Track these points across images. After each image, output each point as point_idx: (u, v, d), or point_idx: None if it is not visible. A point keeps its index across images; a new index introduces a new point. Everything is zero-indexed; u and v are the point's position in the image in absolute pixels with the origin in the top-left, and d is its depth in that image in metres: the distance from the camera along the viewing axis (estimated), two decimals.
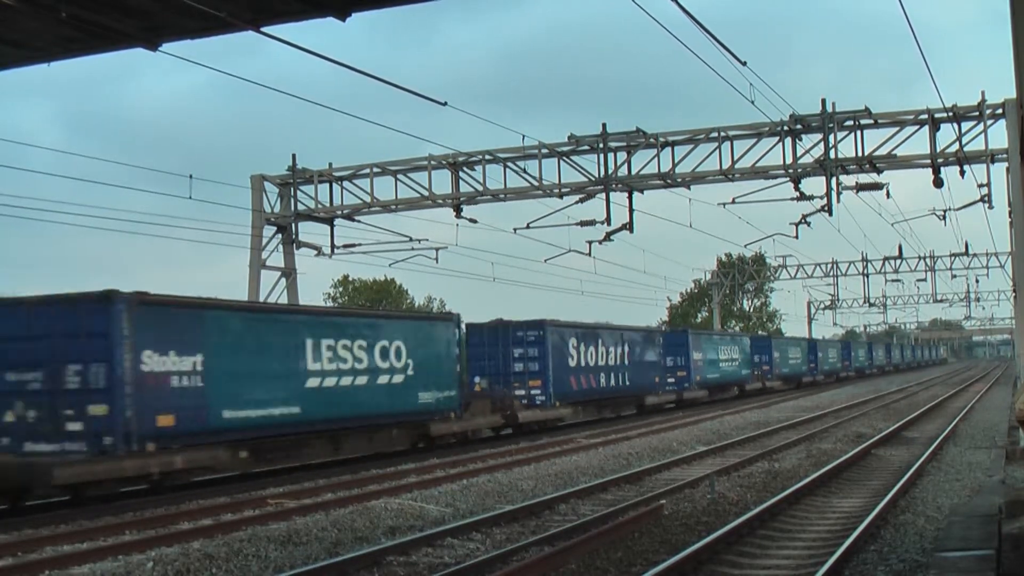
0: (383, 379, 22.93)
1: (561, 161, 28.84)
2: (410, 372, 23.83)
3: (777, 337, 67.02)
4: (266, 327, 20.24)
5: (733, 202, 29.44)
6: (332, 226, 31.81)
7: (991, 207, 27.58)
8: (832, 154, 26.53)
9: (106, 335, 16.45)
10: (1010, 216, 25.94)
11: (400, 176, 30.31)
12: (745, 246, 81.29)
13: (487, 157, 29.51)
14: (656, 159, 28.20)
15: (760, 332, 78.94)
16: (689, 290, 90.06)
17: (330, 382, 21.19)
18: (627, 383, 37.08)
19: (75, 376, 16.49)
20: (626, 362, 37.05)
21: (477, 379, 30.51)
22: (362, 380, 22.15)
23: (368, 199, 30.62)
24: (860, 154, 26.84)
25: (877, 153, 26.83)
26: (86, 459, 16.07)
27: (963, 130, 25.93)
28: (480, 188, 29.65)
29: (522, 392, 30.77)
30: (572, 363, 32.88)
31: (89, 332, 16.49)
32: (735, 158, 27.78)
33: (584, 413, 34.67)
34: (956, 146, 26.02)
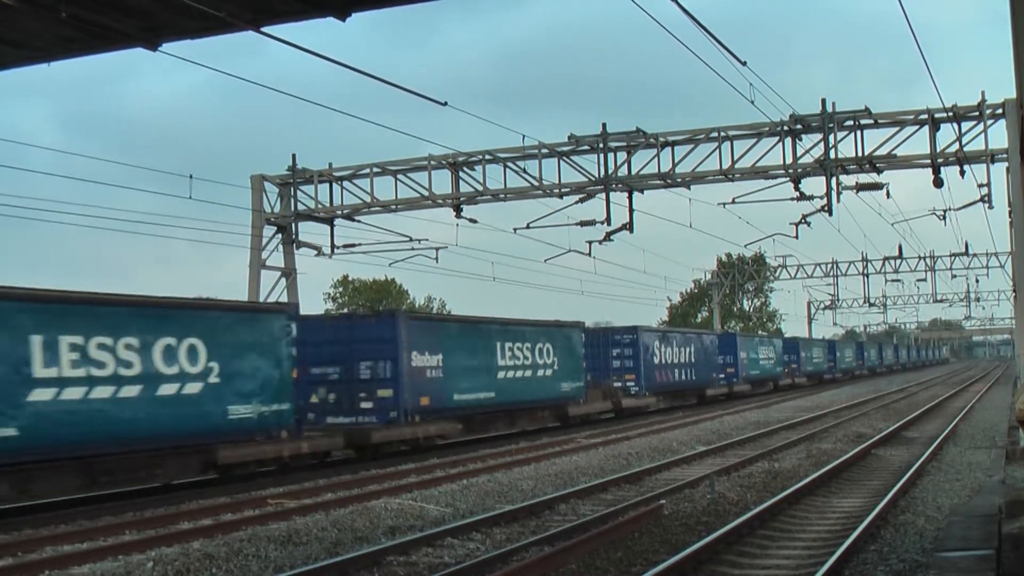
0: (541, 373, 30.23)
1: (561, 161, 28.84)
2: (556, 368, 31.05)
3: (803, 339, 72.42)
4: (474, 334, 27.49)
5: (733, 202, 29.45)
6: (332, 226, 31.80)
7: (991, 207, 27.60)
8: (832, 154, 26.52)
9: (393, 340, 23.53)
10: (1010, 216, 25.93)
11: (400, 176, 30.31)
12: (745, 246, 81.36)
13: (487, 157, 29.50)
14: (656, 159, 28.21)
15: (760, 332, 78.99)
16: (689, 290, 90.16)
17: (511, 375, 28.49)
18: (693, 377, 44.62)
19: (367, 370, 23.65)
20: (692, 360, 44.48)
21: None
22: (528, 373, 29.48)
23: (368, 199, 30.61)
24: (860, 154, 26.83)
25: (877, 153, 26.82)
26: (381, 427, 23.07)
27: (963, 130, 25.93)
28: (480, 188, 29.65)
29: (619, 384, 37.57)
30: (656, 361, 40.17)
31: (379, 338, 23.53)
32: (735, 158, 27.79)
33: (663, 402, 41.23)
34: (956, 146, 26.02)
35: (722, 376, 49.03)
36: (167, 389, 17.27)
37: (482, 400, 26.99)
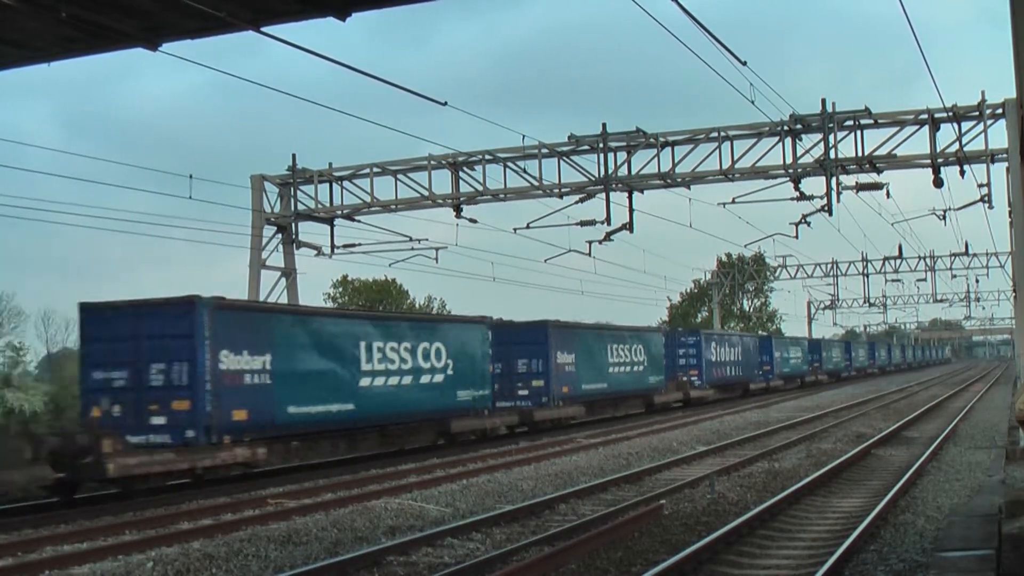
0: (636, 368, 37.31)
1: (561, 161, 28.84)
2: (645, 364, 38.16)
3: (825, 340, 79.74)
4: (593, 338, 34.35)
5: (733, 202, 29.44)
6: (332, 226, 31.80)
7: (991, 207, 27.59)
8: (832, 154, 26.52)
9: (544, 343, 30.70)
10: (1010, 216, 25.95)
11: (400, 176, 30.31)
12: (745, 246, 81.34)
13: (487, 157, 29.50)
14: (656, 159, 28.21)
15: (760, 332, 79.01)
16: (689, 290, 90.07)
17: (616, 371, 35.57)
18: (740, 373, 51.81)
19: (524, 366, 30.73)
20: (740, 359, 51.86)
21: None
22: (628, 369, 36.49)
23: (368, 199, 30.61)
24: (860, 154, 26.83)
25: (877, 153, 26.82)
26: (537, 408, 30.25)
27: (963, 130, 25.93)
28: (480, 188, 29.65)
29: (685, 379, 44.27)
30: (713, 359, 47.30)
31: (534, 341, 30.63)
32: (735, 158, 27.79)
33: (718, 394, 47.95)
34: (956, 146, 26.02)
35: (760, 373, 56.06)
36: (425, 379, 24.15)
37: (598, 390, 34.42)
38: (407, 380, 23.26)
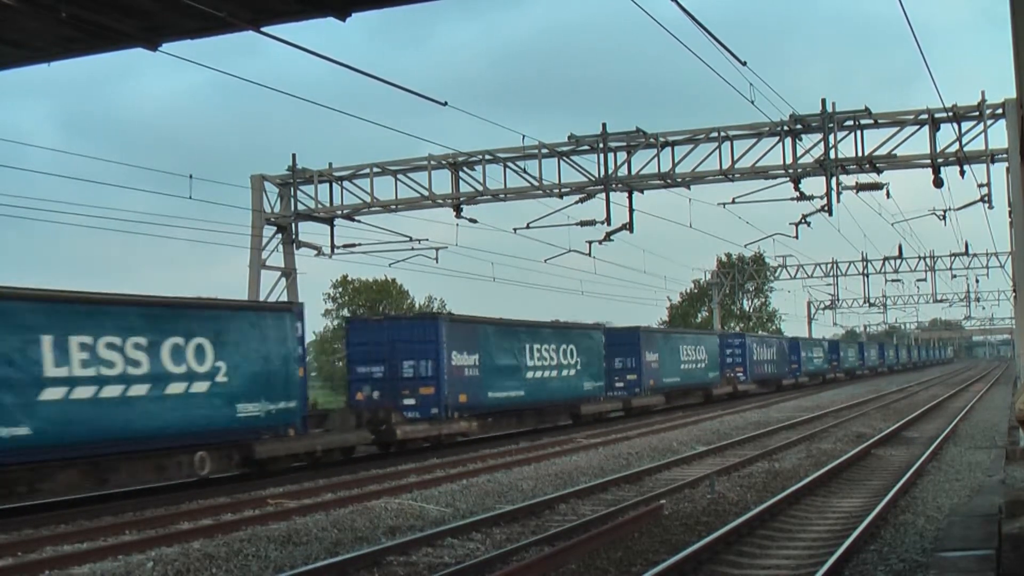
0: (700, 365, 45.67)
1: (561, 161, 28.81)
2: (707, 363, 46.54)
3: (842, 341, 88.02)
4: (671, 340, 43.09)
5: (733, 202, 29.40)
6: (332, 226, 31.76)
7: (991, 207, 27.55)
8: (832, 154, 26.49)
9: (636, 344, 38.70)
10: (1010, 216, 25.91)
11: (400, 176, 30.27)
12: (745, 246, 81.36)
13: (487, 157, 29.47)
14: (656, 159, 28.17)
15: (760, 332, 79.05)
16: (689, 290, 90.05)
17: (687, 367, 44.00)
18: (775, 371, 59.57)
19: (621, 364, 37.98)
20: (775, 358, 59.80)
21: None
22: (694, 366, 44.78)
23: (368, 199, 30.58)
24: (860, 154, 26.81)
25: (877, 153, 26.80)
26: (632, 396, 38.03)
27: (963, 130, 25.90)
28: (480, 188, 29.63)
29: (732, 375, 51.38)
30: (754, 358, 55.13)
31: (629, 343, 38.59)
32: (735, 158, 27.75)
33: (759, 388, 55.34)
34: (956, 146, 26.00)
35: (790, 370, 63.30)
36: (564, 373, 32.00)
37: (674, 383, 42.78)
38: (553, 373, 31.29)
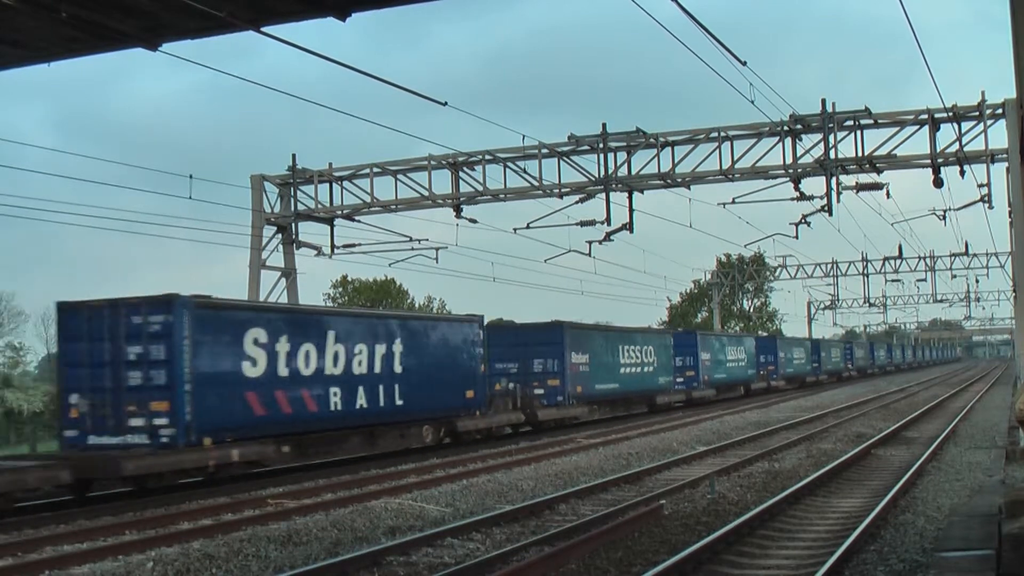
0: (741, 364, 52.43)
1: (561, 161, 28.82)
2: (746, 362, 53.37)
3: (855, 341, 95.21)
4: (725, 342, 50.80)
5: (733, 202, 29.41)
6: (332, 226, 31.78)
7: (991, 207, 27.54)
8: (832, 154, 26.50)
9: (694, 346, 45.73)
10: (1010, 216, 25.92)
11: (400, 176, 30.29)
12: (745, 246, 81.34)
13: (487, 157, 29.48)
14: (656, 159, 28.19)
15: (760, 332, 79.05)
16: (689, 290, 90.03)
17: (731, 365, 50.60)
18: (800, 370, 65.69)
19: (680, 362, 44.63)
20: (801, 358, 66.67)
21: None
22: (735, 364, 51.48)
23: (368, 199, 30.60)
24: (860, 154, 26.82)
25: (877, 153, 26.81)
26: (691, 390, 43.48)
27: (963, 130, 25.91)
28: (480, 188, 29.64)
29: (764, 372, 57.51)
30: (783, 358, 61.59)
31: (687, 345, 45.66)
32: (735, 158, 27.77)
33: (787, 385, 61.77)
34: (956, 146, 26.01)
35: (811, 369, 69.37)
36: (645, 369, 38.57)
37: (723, 379, 49.26)
38: (637, 369, 37.38)
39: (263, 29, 10.59)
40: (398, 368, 23.29)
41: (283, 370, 19.73)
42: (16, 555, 12.43)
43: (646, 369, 38.63)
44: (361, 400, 21.99)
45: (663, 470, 19.80)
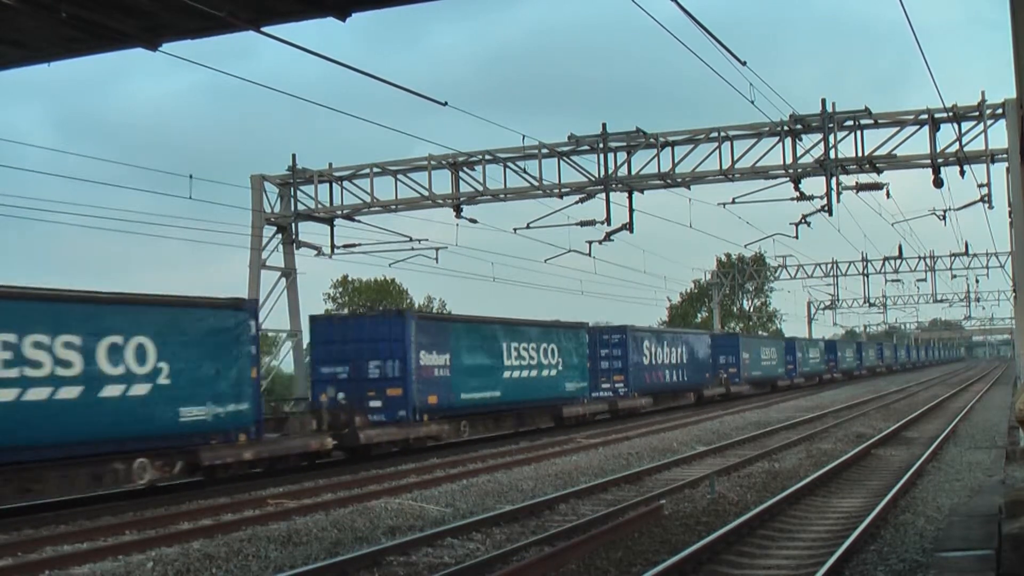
0: (773, 362, 58.28)
1: (561, 161, 28.82)
2: (776, 361, 59.17)
3: (866, 342, 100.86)
4: (759, 344, 57.26)
5: (733, 202, 29.41)
6: (332, 226, 31.77)
7: (991, 207, 27.56)
8: (832, 154, 26.50)
9: (736, 347, 51.26)
10: (1010, 216, 25.92)
11: (400, 176, 30.29)
12: (745, 246, 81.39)
13: (487, 157, 29.48)
14: (656, 159, 28.19)
15: (760, 332, 79.08)
16: (689, 290, 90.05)
17: (766, 364, 56.37)
18: (817, 369, 70.87)
19: (724, 360, 49.84)
20: (819, 358, 71.85)
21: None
22: (768, 363, 56.85)
23: (368, 199, 30.59)
24: (860, 154, 26.82)
25: (877, 153, 26.81)
26: (732, 384, 49.85)
27: (963, 130, 25.91)
28: (480, 188, 29.64)
29: (783, 371, 61.30)
30: (800, 357, 65.54)
31: (729, 346, 51.26)
32: (735, 158, 27.76)
33: (807, 382, 66.50)
34: (956, 146, 26.01)
35: (827, 368, 73.83)
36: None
37: (760, 376, 54.21)
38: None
39: (263, 29, 10.59)
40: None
41: None
42: (16, 555, 12.43)
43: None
44: None
45: (663, 470, 19.80)
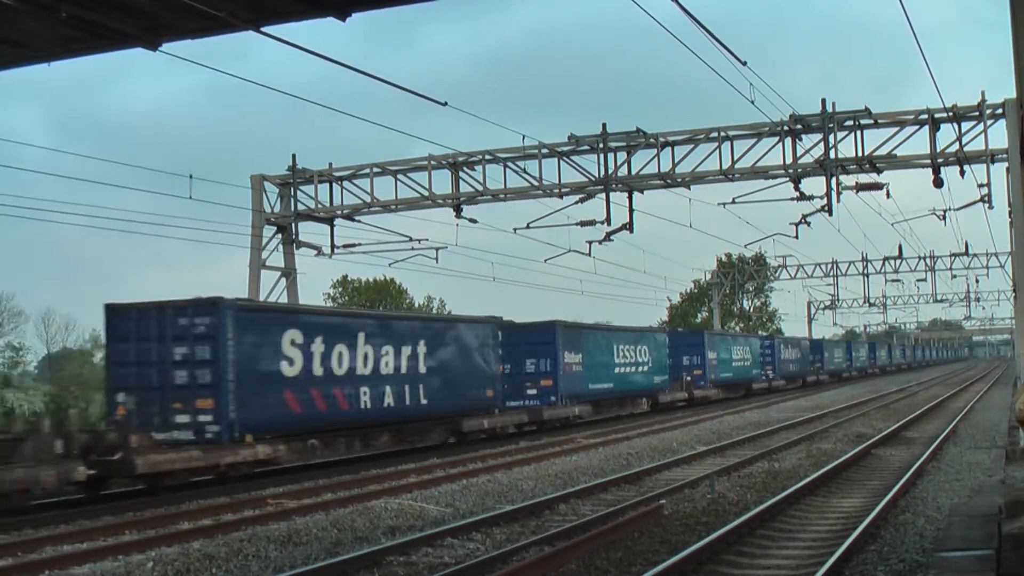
0: (742, 362, 53.37)
1: (561, 161, 28.82)
2: (801, 359, 65.93)
3: (879, 342, 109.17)
4: (795, 345, 67.80)
5: (733, 202, 29.40)
6: (332, 226, 31.78)
7: (991, 207, 27.54)
8: (832, 154, 26.50)
9: (771, 347, 61.70)
10: (1010, 216, 25.94)
11: (400, 176, 30.28)
12: (745, 246, 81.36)
13: (487, 157, 29.48)
14: (656, 159, 28.18)
15: (760, 332, 79.12)
16: (689, 290, 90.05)
17: (789, 366, 62.94)
18: (840, 367, 79.29)
19: (764, 359, 59.94)
20: (840, 357, 79.92)
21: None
22: (793, 363, 64.28)
23: (368, 199, 30.59)
24: (860, 154, 26.81)
25: (877, 153, 26.81)
26: (769, 380, 59.20)
27: (963, 130, 25.91)
28: (480, 188, 29.64)
29: (810, 368, 68.00)
30: (827, 356, 74.16)
31: (766, 348, 60.85)
32: (735, 158, 27.75)
33: (830, 378, 74.27)
34: (956, 146, 26.00)
35: (847, 365, 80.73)
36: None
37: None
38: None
39: (263, 29, 10.59)
40: None
41: None
42: (16, 555, 12.43)
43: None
44: None
45: (663, 470, 19.80)
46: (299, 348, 20.23)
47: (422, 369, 24.05)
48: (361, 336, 22.13)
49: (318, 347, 20.81)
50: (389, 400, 22.80)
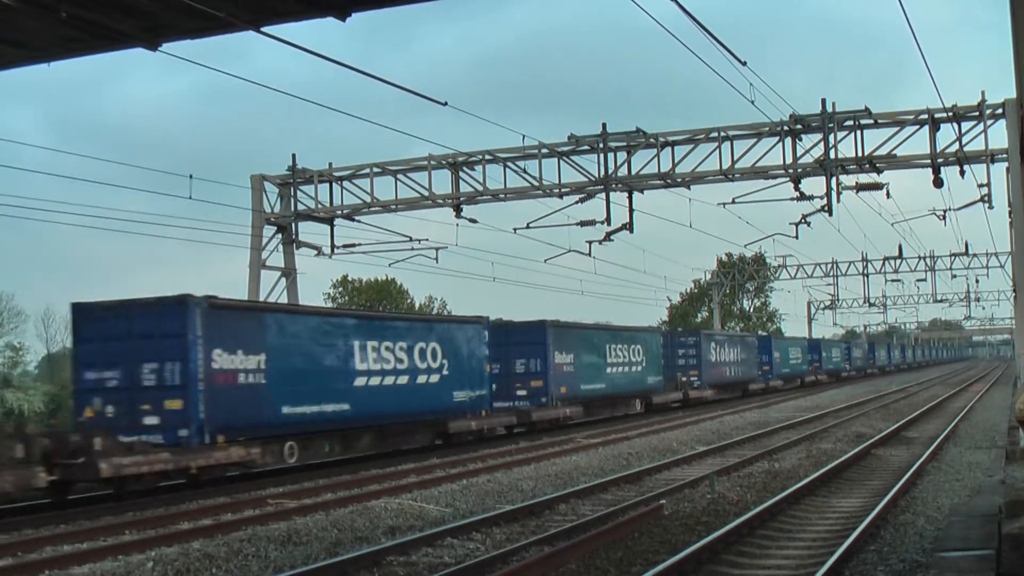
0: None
1: (561, 161, 28.83)
2: (801, 359, 66.54)
3: (892, 343, 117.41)
4: (808, 347, 72.67)
5: (733, 202, 29.42)
6: (332, 226, 31.79)
7: (991, 207, 27.57)
8: (832, 154, 26.51)
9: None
10: (1010, 216, 25.93)
11: (400, 176, 30.30)
12: (745, 246, 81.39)
13: (487, 157, 29.49)
14: (656, 159, 28.20)
15: (761, 332, 79.14)
16: (689, 290, 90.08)
17: (793, 363, 64.76)
18: (841, 367, 79.59)
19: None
20: (860, 356, 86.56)
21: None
22: (794, 362, 65.41)
23: (368, 199, 30.60)
24: (860, 154, 26.82)
25: (877, 153, 26.82)
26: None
27: (963, 130, 25.92)
28: (480, 188, 29.65)
29: (810, 368, 68.27)
30: (853, 355, 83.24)
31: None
32: (735, 158, 27.78)
33: (858, 375, 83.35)
34: (956, 146, 26.01)
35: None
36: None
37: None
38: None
39: (263, 29, 10.60)
40: None
41: None
42: (16, 555, 12.43)
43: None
44: None
45: (663, 470, 19.80)
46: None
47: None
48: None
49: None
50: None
